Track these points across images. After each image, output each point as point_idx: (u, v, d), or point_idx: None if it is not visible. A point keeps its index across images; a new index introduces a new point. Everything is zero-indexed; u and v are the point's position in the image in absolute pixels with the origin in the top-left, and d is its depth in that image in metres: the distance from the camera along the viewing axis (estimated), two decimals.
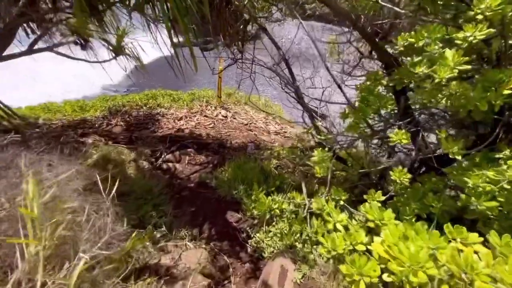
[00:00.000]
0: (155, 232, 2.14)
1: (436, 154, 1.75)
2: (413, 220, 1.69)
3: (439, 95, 1.56)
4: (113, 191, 1.81)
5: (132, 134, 4.36)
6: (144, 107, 6.88)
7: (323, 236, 1.76)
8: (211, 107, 7.15)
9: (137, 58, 6.48)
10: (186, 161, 3.94)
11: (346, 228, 1.76)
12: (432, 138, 2.18)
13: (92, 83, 13.43)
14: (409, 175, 1.77)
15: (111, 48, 6.11)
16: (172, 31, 3.04)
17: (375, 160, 2.68)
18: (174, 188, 2.99)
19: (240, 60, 4.14)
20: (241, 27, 4.01)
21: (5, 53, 4.45)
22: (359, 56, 3.15)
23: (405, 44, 1.65)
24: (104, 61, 6.21)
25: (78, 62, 4.87)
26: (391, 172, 1.85)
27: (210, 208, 2.68)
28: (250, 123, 6.70)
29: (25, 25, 4.68)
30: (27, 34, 4.87)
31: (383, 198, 1.85)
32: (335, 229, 1.77)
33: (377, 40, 2.35)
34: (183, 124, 6.26)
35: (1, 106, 3.89)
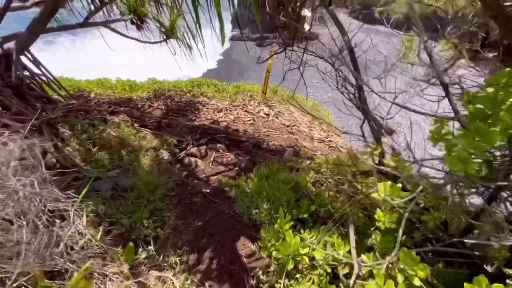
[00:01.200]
0: (140, 252, 1.58)
1: None
2: None
3: None
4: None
5: (163, 119, 3.95)
6: (188, 94, 6.56)
7: None
8: (254, 102, 6.54)
9: (188, 46, 6.15)
10: (212, 158, 3.38)
11: None
12: None
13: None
14: None
15: (163, 29, 5.86)
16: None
17: (464, 205, 1.74)
18: (186, 190, 2.42)
19: (290, 48, 3.41)
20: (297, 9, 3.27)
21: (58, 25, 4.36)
22: (456, 55, 2.18)
23: None
24: (154, 42, 6.00)
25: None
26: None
27: (220, 228, 2.03)
28: (293, 125, 5.92)
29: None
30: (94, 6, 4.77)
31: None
32: None
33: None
34: (221, 116, 5.77)
35: (51, 78, 3.77)
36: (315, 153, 5.10)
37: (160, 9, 5.15)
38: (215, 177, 2.85)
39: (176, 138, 3.53)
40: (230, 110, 6.03)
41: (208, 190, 2.45)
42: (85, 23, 4.48)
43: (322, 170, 3.93)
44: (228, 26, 20.15)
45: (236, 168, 3.14)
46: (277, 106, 6.56)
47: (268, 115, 6.12)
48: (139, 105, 5.76)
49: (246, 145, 4.47)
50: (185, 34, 5.81)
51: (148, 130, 3.37)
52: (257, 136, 5.08)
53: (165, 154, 2.98)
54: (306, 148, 5.21)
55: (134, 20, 5.80)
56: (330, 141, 5.92)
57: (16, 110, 2.42)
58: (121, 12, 5.68)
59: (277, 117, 6.11)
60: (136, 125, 3.39)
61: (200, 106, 6.04)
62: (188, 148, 3.44)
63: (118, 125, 2.97)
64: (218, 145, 3.92)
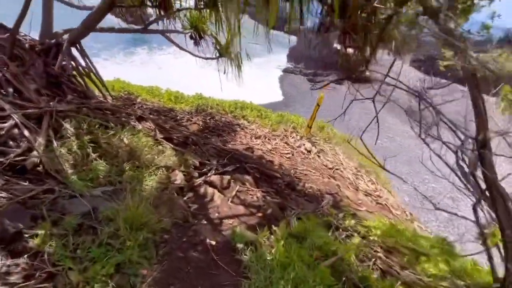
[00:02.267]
0: None
1: None
2: None
3: None
4: None
5: (192, 136, 3.43)
6: (229, 114, 6.13)
7: None
8: (297, 135, 5.82)
9: (238, 66, 5.82)
10: (234, 192, 2.68)
11: None
12: None
13: None
14: None
15: (218, 47, 5.65)
16: None
17: None
18: (184, 236, 1.71)
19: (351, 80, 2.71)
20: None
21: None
22: None
23: None
24: (207, 58, 5.81)
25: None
26: None
27: None
28: (336, 168, 5.00)
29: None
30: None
31: None
32: None
33: None
34: (258, 144, 5.13)
35: (94, 72, 3.61)
36: (360, 208, 4.08)
37: (220, 27, 4.94)
38: (231, 221, 2.11)
39: (199, 160, 2.94)
40: (268, 139, 5.39)
41: (214, 242, 1.71)
42: (145, 29, 4.38)
43: (370, 236, 2.95)
44: (283, 59, 20.34)
45: (260, 214, 2.38)
46: (321, 144, 5.74)
47: (309, 151, 5.32)
48: (178, 117, 5.45)
49: (278, 182, 3.69)
50: (239, 55, 5.52)
51: (170, 144, 2.85)
52: (293, 174, 4.29)
53: (178, 177, 2.38)
54: (348, 200, 4.22)
55: (193, 35, 5.72)
56: (378, 196, 4.82)
57: (27, 95, 2.07)
58: (182, 26, 5.68)
59: (319, 156, 5.27)
60: (159, 136, 2.89)
61: (238, 129, 5.52)
62: (209, 173, 2.81)
63: (137, 132, 2.49)
64: (246, 176, 3.22)
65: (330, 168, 4.93)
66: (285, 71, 18.15)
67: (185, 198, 2.22)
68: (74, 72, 3.03)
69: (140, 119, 3.10)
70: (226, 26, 4.93)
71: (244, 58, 5.58)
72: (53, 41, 2.89)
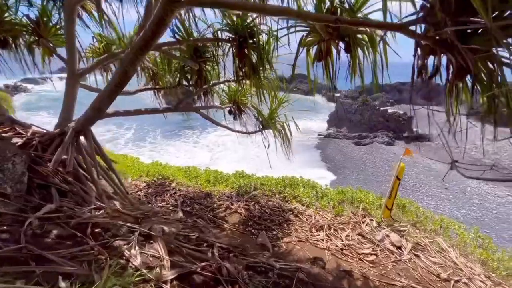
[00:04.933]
0: None
1: None
2: None
3: None
4: None
5: (225, 262, 2.17)
6: (277, 196, 4.89)
7: None
8: (371, 221, 4.20)
9: (286, 138, 4.91)
10: None
11: None
12: None
13: None
14: None
15: (261, 119, 4.88)
16: None
17: None
18: None
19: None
20: None
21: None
22: None
23: None
24: (249, 133, 5.01)
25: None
26: None
27: None
28: (457, 280, 3.10)
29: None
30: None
31: None
32: None
33: None
34: (321, 239, 3.63)
35: (106, 165, 2.87)
36: None
37: (262, 98, 4.23)
38: None
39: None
40: (335, 230, 3.86)
41: None
42: (176, 108, 3.80)
43: None
44: (323, 125, 19.65)
45: None
46: (411, 232, 3.97)
47: (399, 247, 3.58)
48: (215, 204, 4.38)
49: None
50: (285, 125, 4.63)
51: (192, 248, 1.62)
52: None
53: None
54: None
55: (232, 110, 5.13)
56: None
57: None
58: (221, 101, 5.17)
59: (417, 255, 3.48)
60: (170, 275, 1.65)
61: (291, 216, 4.16)
62: None
63: (127, 276, 1.35)
64: None
65: (445, 280, 3.07)
66: (327, 136, 17.15)
67: None
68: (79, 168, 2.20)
69: (147, 237, 1.96)
70: (269, 95, 4.19)
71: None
72: (57, 130, 2.22)
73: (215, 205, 4.32)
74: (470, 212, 10.15)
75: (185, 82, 4.23)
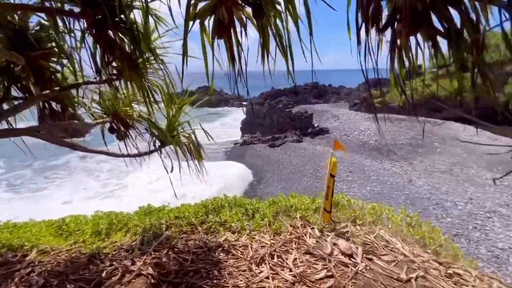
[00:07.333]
0: None
1: None
2: None
3: None
4: None
5: None
6: (200, 229, 3.69)
7: None
8: (313, 230, 3.58)
9: (197, 152, 3.92)
10: None
11: None
12: None
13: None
14: None
15: (157, 133, 3.67)
16: None
17: None
18: None
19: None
20: None
21: None
22: None
23: None
24: (143, 154, 3.66)
25: None
26: None
27: None
28: (409, 272, 2.74)
29: None
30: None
31: None
32: None
33: None
34: (266, 277, 2.70)
35: None
36: None
37: (155, 106, 3.01)
38: None
39: None
40: (279, 257, 3.00)
41: None
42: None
43: None
44: (238, 133, 19.37)
45: None
46: (355, 232, 3.55)
47: (351, 256, 3.03)
48: (104, 273, 2.83)
49: None
50: (192, 135, 3.52)
51: None
52: None
53: None
54: None
55: (114, 126, 3.64)
56: None
57: None
58: (93, 116, 3.58)
59: (369, 259, 3.00)
60: None
61: (221, 256, 3.07)
62: None
63: None
64: None
65: (407, 281, 2.64)
66: (243, 143, 16.86)
67: None
68: None
69: None
70: (162, 97, 3.03)
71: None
72: None
73: (103, 274, 2.77)
74: (373, 188, 11.48)
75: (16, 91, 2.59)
